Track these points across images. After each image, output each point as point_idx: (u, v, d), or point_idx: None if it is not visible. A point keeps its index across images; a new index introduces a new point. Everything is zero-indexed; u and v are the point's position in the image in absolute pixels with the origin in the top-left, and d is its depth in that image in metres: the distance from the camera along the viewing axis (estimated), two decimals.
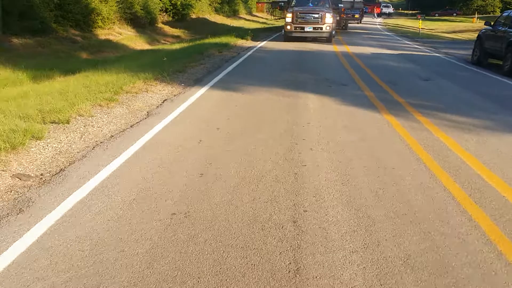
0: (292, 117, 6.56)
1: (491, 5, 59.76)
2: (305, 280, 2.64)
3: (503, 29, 12.90)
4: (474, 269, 2.82)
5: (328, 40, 19.30)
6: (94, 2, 22.92)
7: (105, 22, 24.17)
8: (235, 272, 2.72)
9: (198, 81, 9.50)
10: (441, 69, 12.95)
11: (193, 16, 37.96)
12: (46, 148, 5.02)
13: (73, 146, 5.15)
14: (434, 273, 2.75)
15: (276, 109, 7.07)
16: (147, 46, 23.92)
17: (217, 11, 44.79)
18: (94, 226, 3.24)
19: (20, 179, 4.17)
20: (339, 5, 25.73)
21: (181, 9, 34.06)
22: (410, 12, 69.01)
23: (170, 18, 33.71)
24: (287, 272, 2.73)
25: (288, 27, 18.92)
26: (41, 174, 4.32)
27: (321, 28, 18.68)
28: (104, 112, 6.66)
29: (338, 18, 25.34)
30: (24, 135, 5.13)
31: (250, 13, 56.03)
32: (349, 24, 31.61)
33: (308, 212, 3.53)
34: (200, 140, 5.36)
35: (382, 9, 63.35)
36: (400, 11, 78.14)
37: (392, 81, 10.04)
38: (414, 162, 4.80)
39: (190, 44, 18.74)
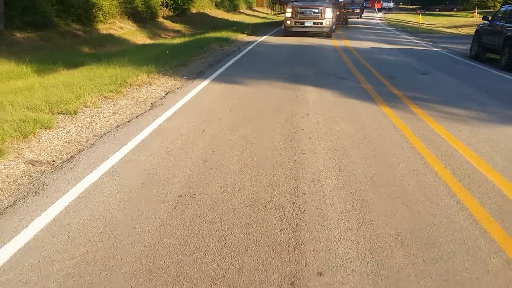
0: (292, 109, 6.78)
1: (492, 0, 59.81)
2: (303, 253, 2.88)
3: (501, 23, 12.97)
4: (459, 244, 3.05)
5: (328, 35, 19.46)
6: None
7: (106, 16, 24.33)
8: (239, 246, 2.95)
9: (200, 74, 9.71)
10: (439, 63, 13.15)
11: (194, 10, 38.09)
12: (55, 137, 5.24)
13: (81, 135, 5.37)
14: (422, 248, 2.98)
15: (277, 101, 7.29)
16: (148, 41, 24.09)
17: (217, 5, 44.89)
18: (107, 206, 3.47)
19: (33, 165, 4.40)
20: (339, 0, 25.87)
21: (181, 4, 34.18)
22: (411, 7, 69.05)
23: (171, 13, 33.83)
24: (286, 246, 2.96)
25: (288, 22, 19.05)
26: (53, 161, 4.54)
27: (321, 23, 18.84)
28: (109, 103, 6.87)
29: (338, 13, 25.50)
30: (34, 125, 5.36)
31: (251, 8, 56.11)
32: (349, 19, 31.75)
33: (306, 195, 3.76)
34: (203, 130, 5.58)
35: (382, 4, 63.45)
36: (401, 6, 78.19)
37: (390, 74, 10.24)
38: (408, 150, 5.02)
39: (191, 38, 18.92)
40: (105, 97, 7.12)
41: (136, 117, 6.24)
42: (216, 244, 2.97)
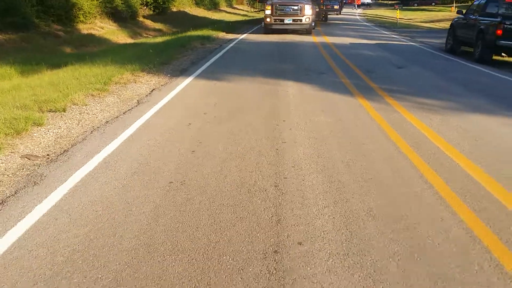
0: (273, 102, 7.10)
1: None
2: (284, 227, 3.20)
3: (474, 17, 13.35)
4: (424, 217, 3.41)
5: (307, 31, 19.80)
6: None
7: (87, 16, 24.31)
8: (227, 223, 3.26)
9: (184, 72, 9.97)
10: (415, 57, 13.61)
11: (174, 9, 38.11)
12: (47, 133, 5.47)
13: (72, 131, 5.60)
14: (391, 221, 3.33)
15: (258, 96, 7.61)
16: (129, 40, 24.16)
17: (197, 4, 44.95)
18: (103, 193, 3.75)
19: (29, 159, 4.63)
20: None
21: (161, 3, 34.21)
22: (390, 2, 69.91)
23: (151, 12, 33.85)
24: (270, 222, 3.28)
25: (268, 19, 19.30)
26: (47, 155, 4.78)
27: (301, 20, 19.17)
28: (96, 101, 7.10)
29: (317, 9, 25.89)
30: (26, 122, 5.58)
31: (231, 6, 56.27)
32: (328, 16, 32.22)
33: (287, 179, 4.08)
34: (190, 123, 5.87)
35: None
36: (380, 1, 79.09)
37: (368, 69, 10.64)
38: (382, 138, 5.38)
39: (173, 37, 19.10)
40: (92, 95, 7.34)
41: (123, 113, 6.49)
42: (206, 222, 3.27)
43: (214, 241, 3.01)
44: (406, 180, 4.12)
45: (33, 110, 6.23)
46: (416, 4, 62.67)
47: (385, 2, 74.97)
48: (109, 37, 23.77)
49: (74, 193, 3.75)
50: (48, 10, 21.47)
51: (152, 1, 33.38)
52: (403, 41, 18.87)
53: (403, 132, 5.60)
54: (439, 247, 2.99)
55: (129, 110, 6.67)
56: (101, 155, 4.68)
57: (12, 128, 5.29)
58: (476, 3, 14.24)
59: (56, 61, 13.73)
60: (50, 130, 5.57)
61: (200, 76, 9.52)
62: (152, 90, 8.07)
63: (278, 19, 19.15)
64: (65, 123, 5.89)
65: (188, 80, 9.00)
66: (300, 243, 2.98)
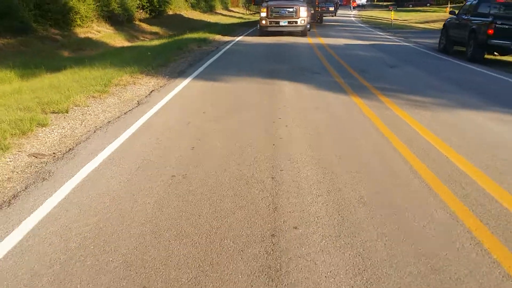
0: (270, 101, 7.33)
1: None
2: (281, 214, 3.43)
3: (466, 17, 13.62)
4: (411, 203, 3.64)
5: (303, 33, 20.00)
6: (71, 0, 23.26)
7: (84, 20, 24.52)
8: (227, 211, 3.49)
9: (182, 73, 10.19)
10: (409, 57, 13.87)
11: (170, 12, 38.37)
12: (52, 133, 5.68)
13: (76, 131, 5.82)
14: (380, 207, 3.56)
15: (255, 95, 7.84)
16: (126, 43, 24.38)
17: (193, 7, 45.22)
18: (110, 186, 3.97)
19: (36, 157, 4.84)
20: None
21: (157, 6, 34.46)
22: (385, 3, 70.30)
23: (147, 15, 34.07)
24: (267, 210, 3.51)
25: (263, 21, 19.46)
26: (54, 153, 4.99)
27: (296, 22, 19.37)
28: (97, 102, 7.32)
29: (312, 11, 26.15)
30: (31, 123, 5.79)
31: (226, 8, 56.56)
32: (324, 17, 32.48)
33: (283, 171, 4.31)
34: (189, 122, 6.09)
35: (356, 1, 64.55)
36: (375, 2, 79.50)
37: (362, 69, 10.88)
38: (374, 133, 5.62)
39: (169, 40, 19.33)
40: (93, 97, 7.55)
41: (124, 113, 6.70)
42: (208, 210, 3.50)
43: (215, 227, 3.23)
44: (396, 171, 4.35)
45: (36, 111, 6.44)
46: (411, 5, 62.98)
47: (380, 3, 75.39)
48: (106, 40, 24.00)
49: (82, 187, 3.96)
50: (45, 14, 21.67)
51: (148, 5, 33.60)
52: (397, 42, 19.14)
53: (395, 128, 5.83)
54: (425, 228, 3.22)
55: (129, 110, 6.88)
56: (105, 152, 4.89)
57: (18, 129, 5.50)
58: (468, 3, 14.48)
59: (55, 65, 13.93)
60: (54, 130, 5.79)
61: (197, 77, 9.74)
62: (151, 91, 8.29)
63: (273, 21, 19.34)
64: (69, 124, 6.10)
65: (186, 81, 9.22)
66: (295, 227, 3.21)
